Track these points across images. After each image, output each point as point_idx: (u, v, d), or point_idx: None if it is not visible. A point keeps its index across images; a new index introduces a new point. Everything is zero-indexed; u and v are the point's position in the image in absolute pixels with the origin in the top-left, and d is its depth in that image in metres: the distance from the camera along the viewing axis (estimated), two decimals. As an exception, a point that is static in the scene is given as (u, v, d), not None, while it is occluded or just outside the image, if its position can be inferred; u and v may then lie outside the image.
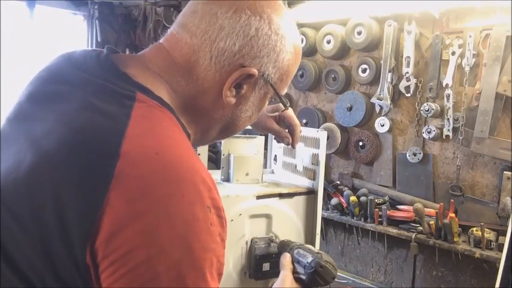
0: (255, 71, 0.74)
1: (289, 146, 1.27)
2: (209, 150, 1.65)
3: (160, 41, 0.79)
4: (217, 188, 0.67)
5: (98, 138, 0.61)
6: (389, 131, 2.49)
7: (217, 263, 0.63)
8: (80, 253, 0.56)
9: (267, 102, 0.85)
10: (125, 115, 0.62)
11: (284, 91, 0.85)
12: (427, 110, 2.25)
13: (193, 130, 0.79)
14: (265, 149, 1.54)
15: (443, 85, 2.22)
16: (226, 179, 1.42)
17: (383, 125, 2.48)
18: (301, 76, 2.81)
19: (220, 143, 1.46)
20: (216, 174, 1.41)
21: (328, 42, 2.65)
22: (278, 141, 1.31)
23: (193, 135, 0.79)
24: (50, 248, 0.57)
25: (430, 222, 2.15)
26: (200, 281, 0.59)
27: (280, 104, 0.90)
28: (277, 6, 0.77)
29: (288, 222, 1.34)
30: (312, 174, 1.38)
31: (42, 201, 0.58)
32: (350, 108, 2.58)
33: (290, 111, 1.25)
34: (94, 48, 0.81)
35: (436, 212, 2.12)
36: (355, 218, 2.46)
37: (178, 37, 0.75)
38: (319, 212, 1.36)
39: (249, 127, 1.31)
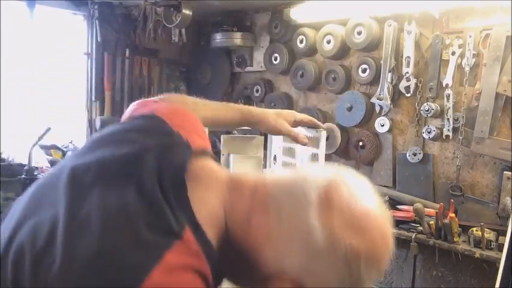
0: None
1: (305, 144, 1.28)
2: (209, 150, 1.65)
3: (250, 185, 0.72)
4: None
5: (116, 273, 0.57)
6: (390, 131, 2.48)
7: None
8: None
9: None
10: (156, 256, 0.58)
11: None
12: (427, 110, 2.25)
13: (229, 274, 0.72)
14: (265, 149, 1.54)
15: (443, 85, 2.22)
16: (226, 179, 1.42)
17: (383, 125, 2.48)
18: (301, 76, 2.81)
19: (220, 142, 1.46)
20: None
21: (328, 42, 2.65)
22: (297, 142, 1.30)
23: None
24: None
25: (430, 222, 2.15)
26: None
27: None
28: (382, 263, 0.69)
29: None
30: (312, 174, 1.38)
31: None
32: (350, 108, 2.58)
33: (298, 115, 1.26)
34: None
35: (436, 212, 2.12)
36: (355, 218, 2.46)
37: (267, 197, 0.69)
38: (319, 212, 1.36)
39: (249, 127, 1.31)
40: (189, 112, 0.90)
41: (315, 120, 1.31)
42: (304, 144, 1.27)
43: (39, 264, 0.59)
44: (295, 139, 1.26)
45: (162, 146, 0.71)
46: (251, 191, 0.71)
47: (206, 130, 1.38)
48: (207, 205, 0.67)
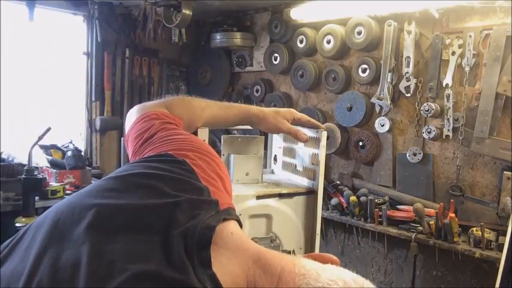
0: None
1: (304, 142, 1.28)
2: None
3: (276, 265, 0.70)
4: None
5: None
6: (390, 131, 2.49)
7: None
8: None
9: None
10: None
11: None
12: (427, 110, 2.25)
13: None
14: (265, 149, 1.54)
15: (443, 85, 2.22)
16: (226, 179, 1.42)
17: (383, 125, 2.48)
18: (301, 76, 2.82)
19: (220, 142, 1.46)
20: (216, 174, 1.41)
21: (328, 42, 2.65)
22: (297, 139, 1.30)
23: None
24: None
25: (430, 222, 2.15)
26: None
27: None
28: None
29: (288, 222, 1.34)
30: (312, 174, 1.38)
31: None
32: (350, 108, 2.58)
33: (298, 114, 1.26)
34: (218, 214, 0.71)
35: (436, 212, 2.12)
36: (355, 218, 2.46)
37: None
38: (319, 212, 1.36)
39: (249, 127, 1.31)
40: (210, 151, 0.87)
41: (313, 120, 1.31)
42: (305, 141, 1.28)
43: None
44: (295, 136, 1.26)
45: (191, 203, 0.69)
46: (278, 271, 0.69)
47: (206, 130, 1.38)
48: (231, 273, 0.66)
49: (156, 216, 0.66)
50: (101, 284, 0.57)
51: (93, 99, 3.16)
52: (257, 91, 3.12)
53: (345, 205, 2.49)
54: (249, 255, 0.70)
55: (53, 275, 0.60)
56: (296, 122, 1.28)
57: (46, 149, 2.82)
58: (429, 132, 2.27)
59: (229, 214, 0.75)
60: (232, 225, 0.74)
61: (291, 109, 1.29)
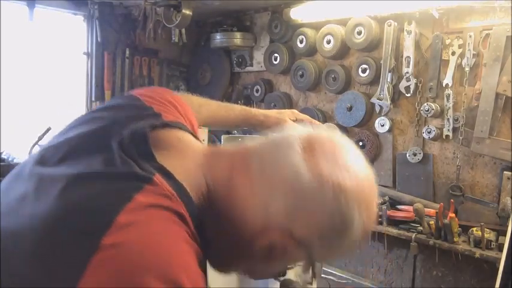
0: (301, 241, 0.65)
1: None
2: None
3: (229, 150, 0.73)
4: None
5: (84, 223, 0.57)
6: (390, 131, 2.48)
7: None
8: None
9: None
10: (125, 198, 0.58)
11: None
12: (427, 110, 2.25)
13: (213, 250, 0.70)
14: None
15: (443, 85, 2.22)
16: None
17: (383, 125, 2.48)
18: (301, 76, 2.81)
19: (220, 142, 1.46)
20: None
21: (328, 42, 2.65)
22: None
23: (213, 257, 0.72)
24: None
25: (430, 222, 2.15)
26: None
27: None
28: (366, 194, 0.71)
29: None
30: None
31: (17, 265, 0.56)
32: (350, 108, 2.58)
33: (300, 114, 1.27)
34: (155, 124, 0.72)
35: (436, 212, 2.12)
36: (355, 218, 2.46)
37: (248, 160, 0.69)
38: (319, 212, 1.36)
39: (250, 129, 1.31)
40: (170, 91, 0.89)
41: (315, 121, 1.32)
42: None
43: (8, 218, 0.60)
44: None
45: (130, 118, 0.71)
46: (231, 153, 0.72)
47: (206, 130, 1.38)
48: (184, 167, 0.66)
49: (95, 139, 0.68)
50: (44, 198, 0.59)
51: (93, 99, 3.15)
52: (257, 91, 3.12)
53: (345, 205, 2.48)
54: (200, 151, 0.72)
55: (4, 206, 0.62)
56: (298, 122, 1.28)
57: (46, 149, 2.81)
58: (429, 132, 2.27)
59: (177, 124, 0.75)
60: (181, 133, 0.74)
61: (293, 110, 1.30)
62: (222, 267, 0.77)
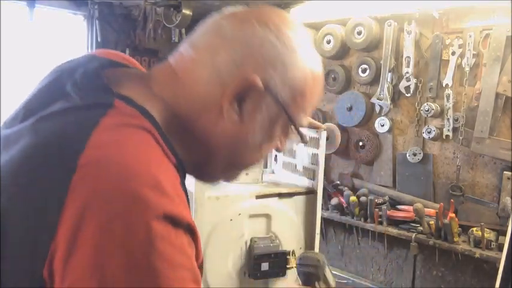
0: (258, 81, 0.66)
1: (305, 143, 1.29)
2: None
3: (168, 59, 0.74)
4: (186, 201, 0.61)
5: (58, 150, 0.57)
6: (389, 131, 2.48)
7: (191, 277, 0.56)
8: (37, 269, 0.53)
9: (281, 131, 0.74)
10: (93, 122, 0.58)
11: (301, 119, 0.74)
12: (427, 110, 2.25)
13: (191, 160, 0.70)
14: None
15: (443, 85, 2.22)
16: (226, 178, 1.42)
17: (383, 125, 2.48)
18: (301, 76, 2.81)
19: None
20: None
21: (328, 42, 2.65)
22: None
23: (192, 168, 0.71)
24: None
25: (430, 222, 2.15)
26: None
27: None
28: (289, 21, 0.71)
29: (287, 222, 1.34)
30: (312, 174, 1.38)
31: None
32: (350, 108, 2.58)
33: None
34: (95, 53, 0.75)
35: (436, 212, 2.12)
36: (355, 218, 2.46)
37: (184, 54, 0.71)
38: (319, 212, 1.36)
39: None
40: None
41: (314, 121, 1.32)
42: (305, 142, 1.28)
43: None
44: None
45: (79, 64, 0.73)
46: (168, 63, 0.73)
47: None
48: (140, 93, 0.67)
49: (50, 89, 0.71)
50: (14, 146, 0.62)
51: (93, 99, 3.15)
52: (257, 91, 3.12)
53: (344, 205, 2.49)
54: (150, 76, 0.73)
55: None
56: None
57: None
58: (429, 132, 2.27)
59: (125, 64, 0.78)
60: (129, 69, 0.76)
61: None
62: (208, 175, 0.77)
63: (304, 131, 1.33)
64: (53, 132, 0.60)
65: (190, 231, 0.58)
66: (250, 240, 1.28)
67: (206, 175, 0.77)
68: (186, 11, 2.66)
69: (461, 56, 2.17)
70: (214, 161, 0.72)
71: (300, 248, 1.38)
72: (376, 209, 2.35)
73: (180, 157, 0.66)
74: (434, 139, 2.29)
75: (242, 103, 0.67)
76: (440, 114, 2.27)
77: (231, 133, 0.69)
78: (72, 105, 0.63)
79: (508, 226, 1.82)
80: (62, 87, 0.67)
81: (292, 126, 0.73)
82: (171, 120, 0.67)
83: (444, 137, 2.25)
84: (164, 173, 0.58)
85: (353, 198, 2.42)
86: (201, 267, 0.63)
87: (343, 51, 2.65)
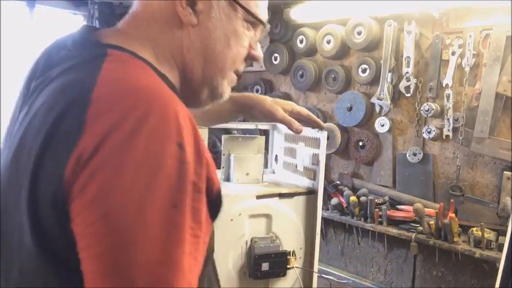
0: None
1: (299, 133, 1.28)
2: (209, 151, 1.65)
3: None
4: (198, 129, 0.64)
5: (70, 93, 0.60)
6: (389, 131, 2.49)
7: (194, 209, 0.56)
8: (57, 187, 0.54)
9: (242, 25, 0.77)
10: (96, 69, 0.61)
11: (258, 10, 0.77)
12: (427, 110, 2.25)
13: (178, 80, 0.75)
14: (266, 149, 1.54)
15: (443, 85, 2.22)
16: (227, 178, 1.42)
17: (383, 125, 2.48)
18: (301, 76, 2.82)
19: (221, 142, 1.46)
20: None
21: (328, 42, 2.65)
22: (291, 130, 1.29)
23: (182, 90, 0.76)
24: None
25: (430, 222, 2.15)
26: (167, 223, 0.53)
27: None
28: None
29: (288, 222, 1.34)
30: (312, 174, 1.38)
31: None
32: (350, 108, 2.58)
33: (298, 106, 1.26)
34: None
35: (436, 212, 2.12)
36: (355, 218, 2.46)
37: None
38: (319, 212, 1.36)
39: (252, 126, 1.31)
40: None
41: (313, 115, 1.31)
42: (299, 132, 1.26)
43: None
44: (289, 126, 1.26)
45: (67, 38, 0.75)
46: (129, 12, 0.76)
47: (206, 130, 1.38)
48: (127, 42, 0.70)
49: (44, 61, 0.73)
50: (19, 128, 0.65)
51: (93, 99, 3.15)
52: (257, 91, 3.12)
53: (345, 205, 2.49)
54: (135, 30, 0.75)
55: None
56: (295, 115, 1.27)
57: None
58: (429, 132, 2.27)
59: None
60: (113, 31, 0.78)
61: (291, 102, 1.30)
62: (195, 97, 0.80)
63: (305, 131, 1.33)
64: (58, 88, 0.62)
65: (200, 156, 0.60)
66: (251, 240, 1.28)
67: (194, 99, 0.80)
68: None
69: (461, 56, 2.17)
70: (195, 70, 0.76)
71: (300, 248, 1.38)
72: (376, 209, 2.35)
73: (176, 91, 0.71)
74: (434, 139, 2.29)
75: (195, 7, 0.72)
76: (440, 114, 2.27)
77: (196, 37, 0.73)
78: (70, 65, 0.65)
79: (508, 226, 1.82)
80: (56, 56, 0.70)
81: (245, 12, 0.76)
82: (156, 56, 0.71)
83: (444, 137, 2.25)
84: (172, 99, 0.61)
85: (353, 198, 2.42)
86: (219, 195, 0.64)
87: (343, 51, 2.65)
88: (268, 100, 1.23)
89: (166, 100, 0.59)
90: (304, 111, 1.29)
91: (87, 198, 0.53)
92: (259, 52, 0.82)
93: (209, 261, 0.74)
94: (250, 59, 0.82)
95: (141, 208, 0.52)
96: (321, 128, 1.32)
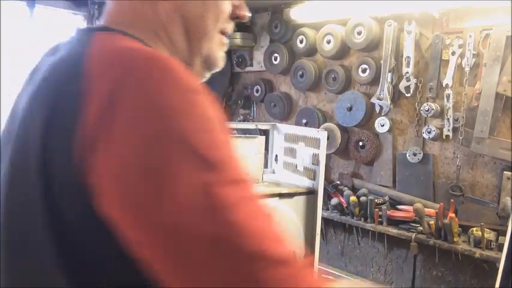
0: None
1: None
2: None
3: None
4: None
5: (62, 66, 0.61)
6: (390, 131, 2.49)
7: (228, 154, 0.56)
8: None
9: None
10: (85, 43, 0.62)
11: None
12: (427, 110, 2.25)
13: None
14: (266, 149, 1.54)
15: (443, 85, 2.22)
16: (227, 178, 1.42)
17: (383, 125, 2.48)
18: (301, 76, 2.81)
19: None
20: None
21: (328, 42, 2.65)
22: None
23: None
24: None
25: (430, 222, 2.15)
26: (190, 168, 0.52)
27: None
28: None
29: (288, 222, 1.34)
30: (312, 174, 1.38)
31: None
32: (350, 108, 2.58)
33: None
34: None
35: (436, 212, 2.12)
36: (355, 218, 2.46)
37: None
38: (319, 212, 1.36)
39: (252, 126, 1.30)
40: None
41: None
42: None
43: None
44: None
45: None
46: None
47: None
48: (114, 24, 0.70)
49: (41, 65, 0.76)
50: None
51: (93, 99, 3.15)
52: (257, 91, 3.12)
53: (345, 205, 2.49)
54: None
55: None
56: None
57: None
58: (429, 132, 2.27)
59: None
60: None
61: None
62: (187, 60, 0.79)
63: (304, 131, 1.33)
64: (53, 66, 0.63)
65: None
66: (251, 240, 1.28)
67: (188, 62, 0.79)
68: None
69: (461, 56, 2.17)
70: (182, 50, 0.75)
71: (300, 248, 1.38)
72: (376, 209, 2.35)
73: None
74: (434, 139, 2.29)
75: None
76: (440, 114, 2.27)
77: (172, 10, 0.71)
78: (60, 55, 0.66)
79: (508, 226, 1.82)
80: (52, 55, 0.71)
81: None
82: (145, 36, 0.70)
83: (444, 137, 2.25)
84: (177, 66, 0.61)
85: (353, 198, 2.42)
86: None
87: (343, 51, 2.65)
88: None
89: (164, 56, 0.58)
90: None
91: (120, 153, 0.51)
92: (244, 10, 0.78)
93: None
94: (235, 18, 0.78)
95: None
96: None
